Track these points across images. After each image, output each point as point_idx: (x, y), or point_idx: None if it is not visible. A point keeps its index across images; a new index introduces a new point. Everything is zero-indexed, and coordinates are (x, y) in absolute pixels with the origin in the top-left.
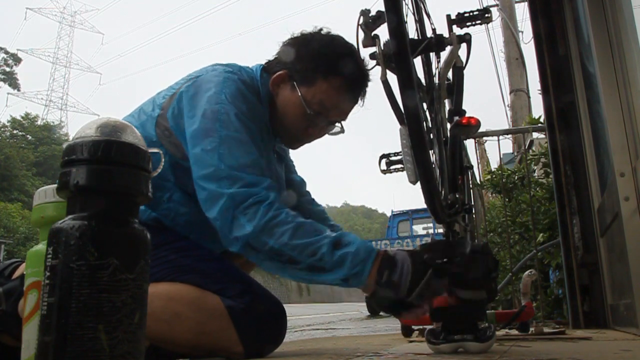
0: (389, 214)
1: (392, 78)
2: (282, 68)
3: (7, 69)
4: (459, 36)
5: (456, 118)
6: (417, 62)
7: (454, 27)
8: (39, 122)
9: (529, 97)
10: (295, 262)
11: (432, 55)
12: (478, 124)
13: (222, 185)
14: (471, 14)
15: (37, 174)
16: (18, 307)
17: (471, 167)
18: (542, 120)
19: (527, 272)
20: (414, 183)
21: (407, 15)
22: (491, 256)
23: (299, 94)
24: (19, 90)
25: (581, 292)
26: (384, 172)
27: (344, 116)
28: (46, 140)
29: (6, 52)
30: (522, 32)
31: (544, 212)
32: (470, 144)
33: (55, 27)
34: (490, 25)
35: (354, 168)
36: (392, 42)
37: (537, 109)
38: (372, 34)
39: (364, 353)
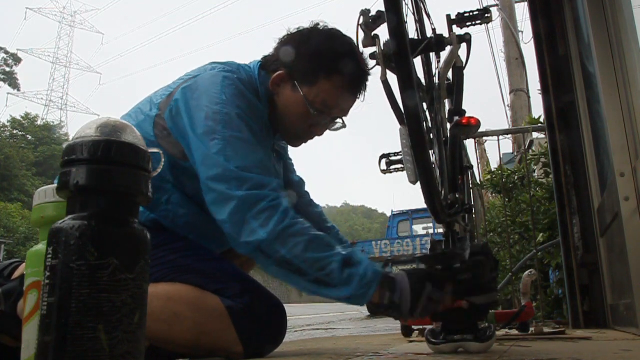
0: (389, 214)
1: (392, 78)
2: (281, 66)
3: (7, 69)
4: (459, 36)
5: (456, 118)
6: (417, 62)
7: (454, 27)
8: (39, 122)
9: (529, 97)
10: (303, 273)
11: (432, 55)
12: (478, 124)
13: (231, 187)
14: (471, 14)
15: (37, 174)
16: (17, 308)
17: (471, 167)
18: (542, 120)
19: (527, 272)
20: (414, 183)
21: (407, 15)
22: (491, 256)
23: (301, 94)
24: (19, 90)
25: (581, 292)
26: (384, 172)
27: (346, 113)
28: (46, 140)
29: (6, 52)
30: (522, 32)
31: (544, 212)
32: (470, 144)
33: (55, 27)
34: (490, 25)
35: (354, 168)
36: (392, 42)
37: (537, 109)
38: (372, 34)
39: (364, 353)
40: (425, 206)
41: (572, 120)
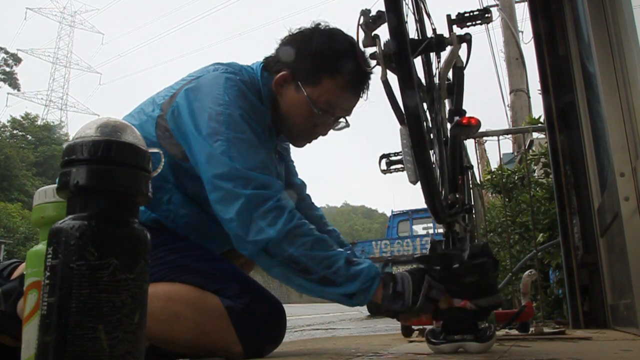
0: (389, 214)
1: (393, 78)
2: (284, 67)
3: (7, 69)
4: (459, 36)
5: (456, 118)
6: (418, 62)
7: (454, 27)
8: (39, 122)
9: (529, 97)
10: (309, 272)
11: (433, 55)
12: (478, 124)
13: (237, 185)
14: (471, 14)
15: (37, 174)
16: (17, 308)
17: (471, 167)
18: (542, 120)
19: (527, 272)
20: (414, 183)
21: (407, 15)
22: (491, 256)
23: (305, 94)
24: (19, 90)
25: (581, 292)
26: (384, 172)
27: (349, 112)
28: (46, 140)
29: (6, 52)
30: (522, 32)
31: (544, 212)
32: (470, 144)
33: (55, 27)
34: (490, 25)
35: (354, 168)
36: (392, 42)
37: (537, 109)
38: (373, 34)
39: (364, 353)
40: (425, 206)
41: (572, 120)
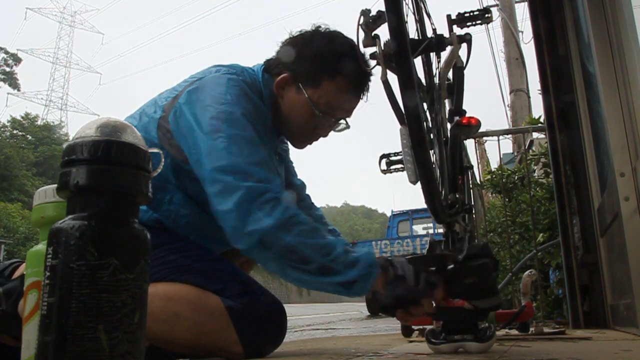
0: (389, 214)
1: (393, 78)
2: (285, 69)
3: (7, 69)
4: (460, 36)
5: (456, 118)
6: (418, 62)
7: (455, 27)
8: (39, 122)
9: (529, 97)
10: (307, 261)
11: (433, 55)
12: (478, 124)
13: (237, 178)
14: (471, 14)
15: (37, 174)
16: (18, 307)
17: (471, 167)
18: (542, 120)
19: (527, 272)
20: (414, 183)
21: (407, 15)
22: (491, 257)
23: (306, 96)
24: (19, 90)
25: (581, 292)
26: (384, 172)
27: (349, 113)
28: (46, 140)
29: (6, 52)
30: (522, 32)
31: (544, 212)
32: (470, 144)
33: (55, 27)
34: (490, 25)
35: (354, 168)
36: (392, 42)
37: (537, 109)
38: (373, 34)
39: (364, 353)
40: (425, 206)
41: (572, 120)
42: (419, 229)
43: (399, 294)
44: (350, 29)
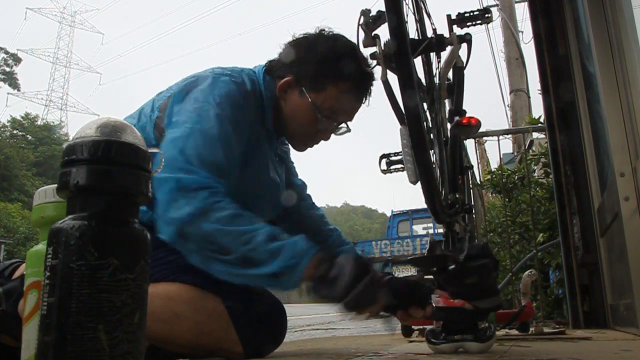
0: (389, 214)
1: (393, 78)
2: (287, 72)
3: (7, 69)
4: (460, 36)
5: (456, 118)
6: (418, 62)
7: (455, 27)
8: (39, 122)
9: (529, 97)
10: (226, 251)
11: (433, 55)
12: (478, 124)
13: (173, 171)
14: (471, 14)
15: (37, 174)
16: (18, 307)
17: (471, 167)
18: (542, 120)
19: (527, 272)
20: (414, 183)
21: (407, 15)
22: (491, 257)
23: (309, 100)
24: (19, 90)
25: (581, 292)
26: (384, 172)
27: (351, 117)
28: (46, 140)
29: (6, 52)
30: (522, 32)
31: (544, 212)
32: (470, 144)
33: (55, 27)
34: (490, 25)
35: (354, 168)
36: (392, 42)
37: (537, 109)
38: (373, 34)
39: (364, 353)
40: (425, 206)
41: (572, 120)
42: (419, 229)
43: (322, 296)
44: (351, 29)
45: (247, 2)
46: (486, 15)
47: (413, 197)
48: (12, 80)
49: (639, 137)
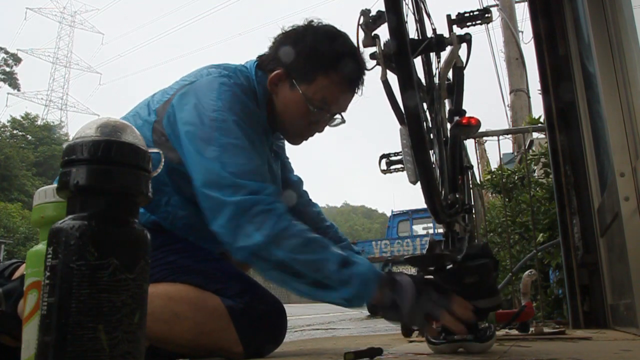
0: (389, 214)
1: (393, 78)
2: (278, 65)
3: (7, 69)
4: (459, 36)
5: (456, 118)
6: (418, 62)
7: (454, 27)
8: (39, 122)
9: (529, 97)
10: (301, 275)
11: (433, 55)
12: (478, 124)
13: (225, 194)
14: (471, 14)
15: (37, 174)
16: (18, 308)
17: (471, 167)
18: (542, 120)
19: (527, 272)
20: (414, 183)
21: (407, 15)
22: (491, 257)
23: (300, 92)
24: (19, 90)
25: (581, 292)
26: (384, 172)
27: (344, 108)
28: (46, 140)
29: (6, 52)
30: (522, 32)
31: (544, 212)
32: (470, 144)
33: (55, 27)
34: (490, 25)
35: (354, 168)
36: (392, 42)
37: (537, 109)
38: (373, 34)
39: None
40: (425, 206)
41: (572, 120)
42: (419, 229)
43: (391, 318)
44: (350, 29)
45: (247, 2)
46: (486, 15)
47: (413, 197)
48: (12, 80)
49: (639, 137)
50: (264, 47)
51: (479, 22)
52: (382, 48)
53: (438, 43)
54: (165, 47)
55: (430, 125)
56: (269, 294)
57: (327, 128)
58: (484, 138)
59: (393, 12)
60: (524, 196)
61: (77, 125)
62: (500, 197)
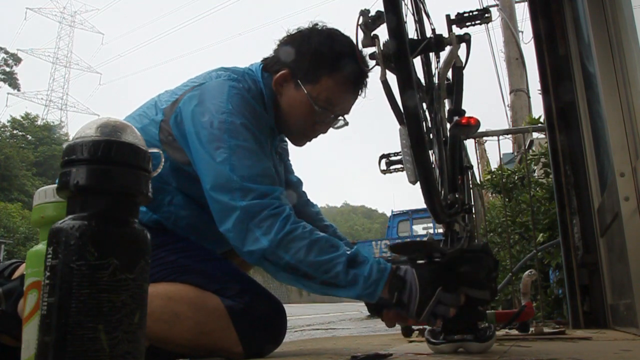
0: (389, 214)
1: (392, 78)
2: (283, 67)
3: (7, 69)
4: (459, 36)
5: (456, 118)
6: (417, 62)
7: (454, 27)
8: (39, 122)
9: (529, 97)
10: (310, 277)
11: (432, 55)
12: (478, 123)
13: (234, 197)
14: (471, 14)
15: (37, 174)
16: (18, 307)
17: (471, 167)
18: (542, 120)
19: (527, 272)
20: (413, 183)
21: (406, 15)
22: (491, 256)
23: (305, 92)
24: (19, 90)
25: (581, 292)
26: (384, 172)
27: (347, 110)
28: (46, 140)
29: (6, 52)
30: (522, 32)
31: (544, 212)
32: (470, 144)
33: (55, 27)
34: (490, 25)
35: (354, 168)
36: (391, 42)
37: (537, 109)
38: (372, 34)
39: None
40: (425, 206)
41: (572, 120)
42: (419, 229)
43: (400, 315)
44: (350, 29)
45: (247, 2)
46: (485, 15)
47: (413, 197)
48: (12, 80)
49: (639, 137)
50: (264, 47)
51: (478, 22)
52: (382, 48)
53: (437, 43)
54: (165, 47)
55: (429, 125)
56: (269, 294)
57: (330, 130)
58: (484, 138)
59: (392, 12)
60: (524, 196)
61: (77, 125)
62: (500, 197)
